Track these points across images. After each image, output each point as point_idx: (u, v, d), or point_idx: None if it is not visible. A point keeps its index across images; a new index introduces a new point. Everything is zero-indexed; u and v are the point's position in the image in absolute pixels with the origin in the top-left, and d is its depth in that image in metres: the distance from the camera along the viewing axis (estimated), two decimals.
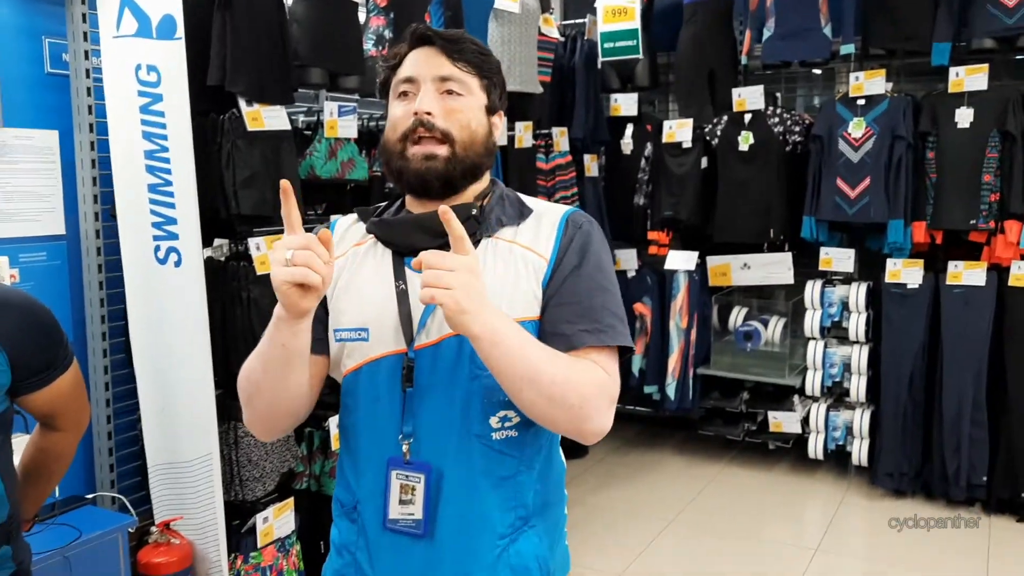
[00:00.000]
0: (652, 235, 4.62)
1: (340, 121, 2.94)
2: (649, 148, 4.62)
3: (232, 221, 2.58)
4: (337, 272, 1.31)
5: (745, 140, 4.31)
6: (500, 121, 1.36)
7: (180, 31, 2.41)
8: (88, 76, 2.54)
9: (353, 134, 2.98)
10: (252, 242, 2.62)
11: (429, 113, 1.25)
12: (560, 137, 4.29)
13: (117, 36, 2.45)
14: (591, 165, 4.57)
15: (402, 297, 1.26)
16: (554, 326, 1.24)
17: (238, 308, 2.62)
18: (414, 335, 1.24)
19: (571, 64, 4.45)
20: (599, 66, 4.55)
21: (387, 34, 3.10)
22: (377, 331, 1.27)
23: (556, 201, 4.29)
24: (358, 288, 1.31)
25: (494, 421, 1.25)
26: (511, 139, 3.97)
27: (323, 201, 3.07)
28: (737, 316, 4.61)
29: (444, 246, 1.14)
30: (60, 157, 2.56)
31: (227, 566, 2.61)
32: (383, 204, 1.40)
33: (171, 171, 2.46)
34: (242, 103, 2.57)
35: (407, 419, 1.24)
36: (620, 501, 4.08)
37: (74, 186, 2.57)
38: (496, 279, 1.24)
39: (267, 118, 2.60)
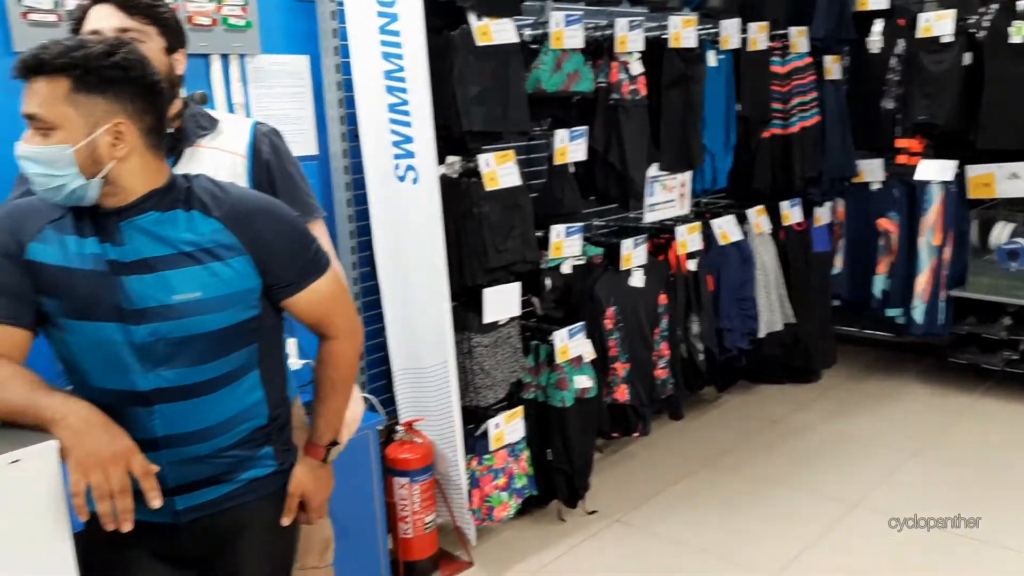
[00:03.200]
0: (901, 143, 4.18)
1: (566, 31, 2.88)
2: (901, 45, 4.13)
3: (463, 138, 2.64)
4: None
5: (1018, 31, 3.73)
6: (182, 57, 1.69)
7: None
8: (332, 0, 2.66)
9: (579, 44, 2.91)
10: (482, 159, 2.67)
11: None
12: (798, 38, 3.95)
13: None
14: (832, 67, 4.17)
15: None
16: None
17: (469, 223, 2.71)
18: None
19: None
20: None
21: None
22: None
23: (794, 107, 3.99)
24: None
25: None
26: (743, 42, 3.71)
27: (549, 115, 3.05)
28: (1000, 233, 4.10)
29: None
30: (311, 81, 2.73)
31: (463, 465, 2.78)
32: None
33: (407, 90, 2.54)
34: (472, 18, 2.58)
35: None
36: (857, 429, 3.85)
37: (323, 108, 2.73)
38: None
39: (495, 32, 2.60)
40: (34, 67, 1.27)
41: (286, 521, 1.58)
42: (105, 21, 1.58)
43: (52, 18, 2.15)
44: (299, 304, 1.50)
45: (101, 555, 1.23)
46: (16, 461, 1.12)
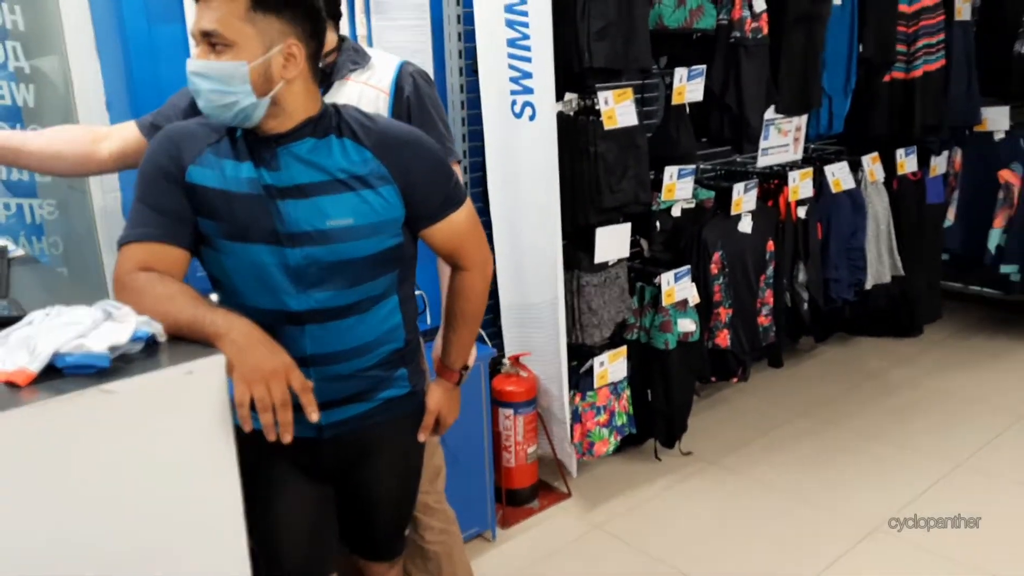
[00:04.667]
0: None
1: None
2: None
3: (583, 75, 2.60)
4: None
5: None
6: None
7: None
8: None
9: None
10: (601, 96, 2.63)
11: None
12: None
13: None
14: (962, 7, 3.93)
15: None
16: None
17: (585, 162, 2.69)
18: None
19: None
20: None
21: None
22: None
23: (919, 50, 3.78)
24: None
25: None
26: None
27: (667, 53, 2.98)
28: None
29: None
30: (430, 14, 2.72)
31: (567, 400, 2.83)
32: None
33: (529, 24, 2.51)
34: None
35: None
36: (959, 389, 3.74)
37: (442, 42, 2.73)
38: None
39: None
40: None
41: (422, 437, 1.65)
42: None
43: None
44: (437, 235, 1.53)
45: (250, 464, 1.30)
46: (190, 372, 1.18)
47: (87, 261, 2.23)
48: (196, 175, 1.39)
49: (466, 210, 1.56)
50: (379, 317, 1.50)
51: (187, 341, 1.26)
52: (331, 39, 1.71)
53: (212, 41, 1.31)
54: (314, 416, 1.32)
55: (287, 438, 1.29)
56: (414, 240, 1.55)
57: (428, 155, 1.49)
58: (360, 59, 1.77)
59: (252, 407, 1.26)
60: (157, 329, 1.22)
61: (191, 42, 1.35)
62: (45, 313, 1.18)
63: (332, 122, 1.44)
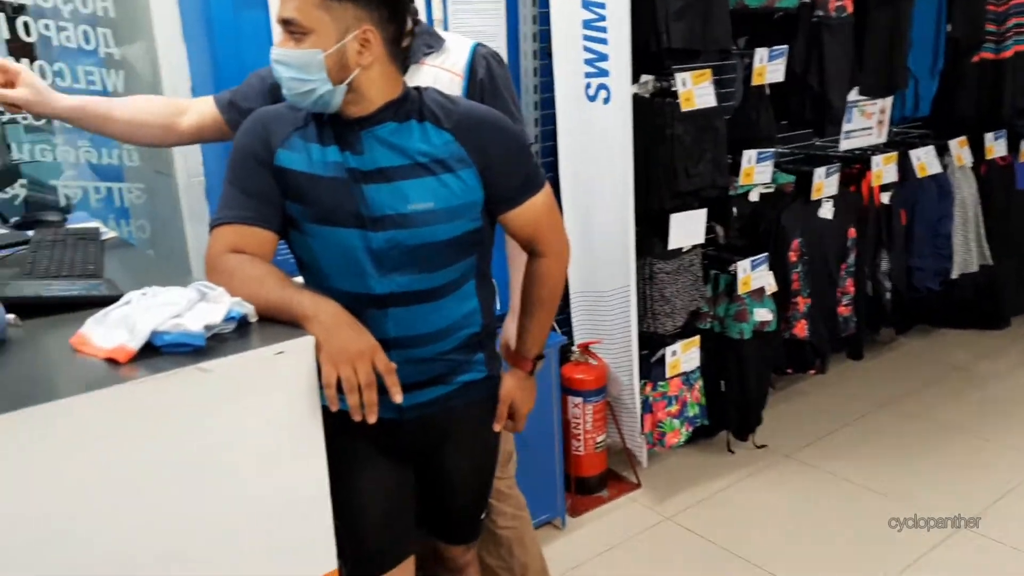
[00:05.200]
0: None
1: None
2: None
3: (661, 55, 2.55)
4: None
5: None
6: None
7: None
8: None
9: None
10: (679, 77, 2.58)
11: None
12: None
13: None
14: None
15: None
16: None
17: (661, 145, 2.64)
18: None
19: None
20: None
21: None
22: None
23: (1009, 29, 3.60)
24: None
25: None
26: None
27: (746, 33, 2.90)
28: None
29: None
30: None
31: (638, 390, 2.79)
32: None
33: (605, 5, 2.47)
34: None
35: None
36: None
37: (516, 25, 2.71)
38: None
39: None
40: None
41: (497, 427, 1.65)
42: None
43: None
44: (516, 219, 1.52)
45: (335, 444, 1.31)
46: (280, 353, 1.19)
47: (172, 244, 2.29)
48: (284, 159, 1.40)
49: (545, 194, 1.54)
50: (458, 301, 1.50)
51: (277, 322, 1.28)
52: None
53: (291, 29, 1.32)
54: (398, 397, 1.32)
55: (372, 418, 1.29)
56: (492, 225, 1.54)
57: (509, 137, 1.47)
58: (434, 42, 1.75)
59: (339, 388, 1.27)
60: (249, 310, 1.24)
61: (275, 30, 1.36)
62: (142, 293, 1.21)
63: (413, 105, 1.43)
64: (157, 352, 1.10)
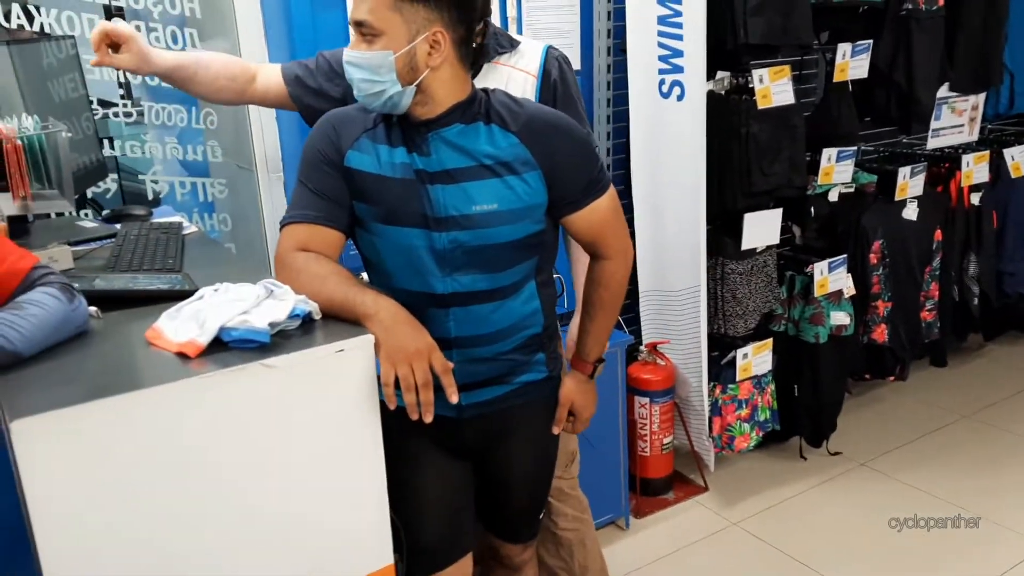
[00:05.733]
0: None
1: None
2: None
3: (738, 51, 2.49)
4: None
5: None
6: None
7: None
8: None
9: None
10: (756, 74, 2.52)
11: None
12: None
13: None
14: None
15: None
16: None
17: (735, 143, 2.58)
18: None
19: None
20: None
21: None
22: None
23: None
24: None
25: None
26: None
27: (829, 27, 2.81)
28: None
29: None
30: None
31: (707, 392, 2.75)
32: None
33: (681, 1, 2.43)
34: None
35: None
36: None
37: (590, 24, 2.69)
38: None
39: None
40: None
41: (556, 430, 1.65)
42: None
43: None
44: (579, 221, 1.51)
45: (393, 441, 1.33)
46: (341, 351, 1.22)
47: (252, 238, 2.37)
48: (354, 160, 1.43)
49: (609, 197, 1.53)
50: (519, 302, 1.51)
51: (340, 320, 1.31)
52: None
53: (364, 31, 1.35)
54: (454, 397, 1.34)
55: (428, 417, 1.32)
56: (555, 227, 1.54)
57: (574, 140, 1.47)
58: (507, 43, 1.77)
59: (397, 386, 1.30)
60: (313, 307, 1.28)
61: (350, 31, 1.39)
62: (214, 289, 1.26)
63: (480, 107, 1.44)
64: (225, 347, 1.15)
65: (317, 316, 1.28)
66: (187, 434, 1.08)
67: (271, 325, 1.18)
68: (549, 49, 1.80)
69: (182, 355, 1.13)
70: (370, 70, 1.35)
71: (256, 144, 2.26)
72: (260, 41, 2.22)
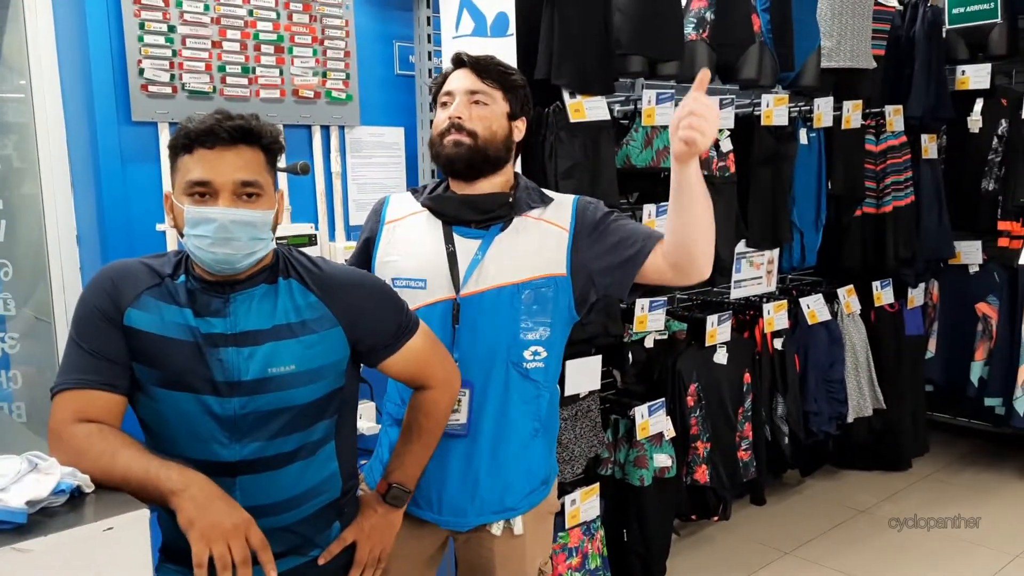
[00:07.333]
0: (1003, 225, 4.03)
1: (657, 108, 2.89)
2: (1004, 125, 4.02)
3: None
4: (390, 232, 1.74)
5: None
6: (521, 124, 1.73)
7: (512, 28, 2.51)
8: (431, 75, 2.75)
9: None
10: None
11: (459, 117, 1.65)
12: (894, 116, 3.88)
13: (456, 36, 2.61)
14: (929, 146, 4.07)
15: (452, 257, 1.67)
16: (616, 254, 1.67)
17: None
18: (461, 286, 1.65)
19: (910, 34, 3.99)
20: (944, 34, 4.03)
21: (708, 16, 2.99)
22: (432, 281, 1.67)
23: (887, 186, 3.89)
24: (414, 247, 1.70)
25: (527, 354, 1.67)
26: (836, 119, 3.66)
27: (636, 189, 3.06)
28: None
29: (486, 222, 1.68)
30: (404, 151, 2.80)
31: None
32: (431, 183, 1.79)
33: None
34: (566, 95, 2.62)
35: (455, 349, 1.65)
36: (952, 525, 3.62)
37: (415, 179, 2.80)
38: (529, 246, 1.66)
39: (589, 109, 2.63)
40: (243, 135, 1.32)
41: (321, 560, 1.50)
42: (458, 83, 1.67)
43: (168, 90, 2.27)
44: (396, 364, 1.53)
45: None
46: (110, 528, 1.13)
47: (47, 395, 2.20)
48: (135, 318, 1.36)
49: (422, 334, 1.55)
50: (313, 467, 1.46)
51: (118, 492, 1.22)
52: (507, 176, 1.73)
53: (248, 190, 1.33)
54: (272, 573, 1.26)
55: None
56: (357, 380, 1.54)
57: (372, 292, 1.51)
58: (538, 198, 1.73)
59: (211, 568, 1.21)
60: (83, 480, 1.19)
61: (222, 190, 1.31)
62: None
63: (282, 266, 1.45)
64: None
65: (88, 489, 1.19)
66: None
67: (29, 503, 1.09)
68: (579, 200, 1.75)
69: None
70: (259, 228, 1.35)
71: (56, 294, 2.15)
72: (66, 191, 2.15)
